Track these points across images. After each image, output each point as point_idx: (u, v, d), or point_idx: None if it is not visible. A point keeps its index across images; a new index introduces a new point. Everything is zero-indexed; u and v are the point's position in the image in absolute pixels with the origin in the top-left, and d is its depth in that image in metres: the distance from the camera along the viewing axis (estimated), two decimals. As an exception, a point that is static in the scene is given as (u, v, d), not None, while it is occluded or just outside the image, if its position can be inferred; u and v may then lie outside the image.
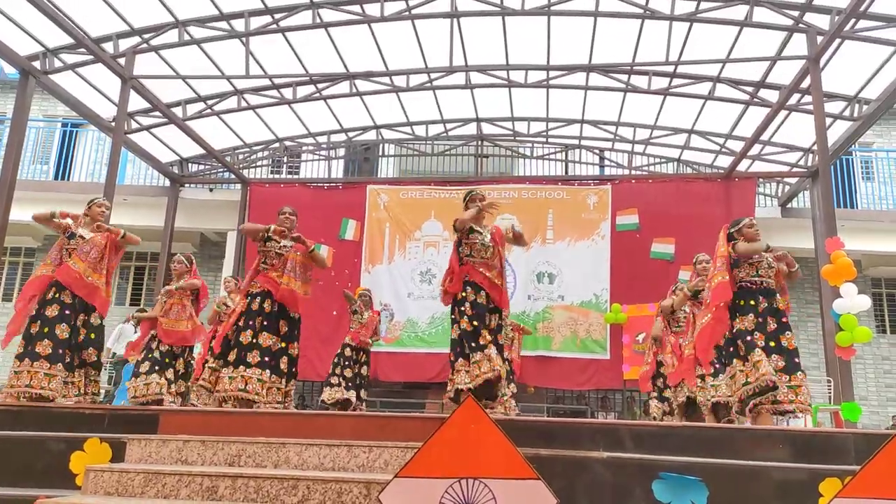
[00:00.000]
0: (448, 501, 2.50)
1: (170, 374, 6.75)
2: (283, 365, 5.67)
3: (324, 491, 3.38)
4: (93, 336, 5.77)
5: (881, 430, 9.59)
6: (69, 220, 5.90)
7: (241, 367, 5.41)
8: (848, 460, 3.80)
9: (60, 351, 5.43)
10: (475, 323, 5.39)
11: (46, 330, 5.43)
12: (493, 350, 5.34)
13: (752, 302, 5.24)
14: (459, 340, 5.45)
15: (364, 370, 9.05)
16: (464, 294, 5.50)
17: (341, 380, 8.76)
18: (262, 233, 5.84)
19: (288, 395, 5.76)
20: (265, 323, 5.58)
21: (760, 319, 5.17)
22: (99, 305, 5.73)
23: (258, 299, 5.65)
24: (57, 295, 5.56)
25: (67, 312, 5.54)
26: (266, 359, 5.48)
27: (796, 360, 5.10)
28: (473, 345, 5.35)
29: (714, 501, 3.37)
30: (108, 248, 5.82)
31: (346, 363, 8.88)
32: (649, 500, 3.41)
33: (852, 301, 7.47)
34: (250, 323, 5.55)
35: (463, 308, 5.47)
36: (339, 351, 9.01)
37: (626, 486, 3.48)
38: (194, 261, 7.44)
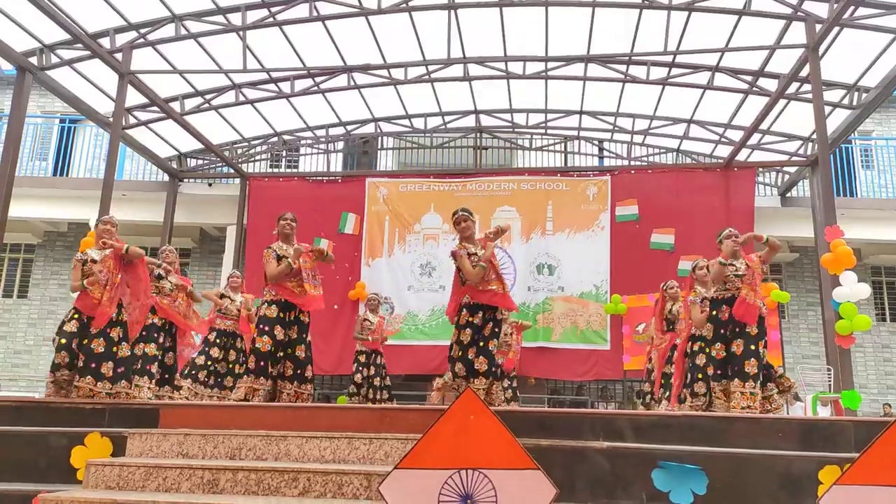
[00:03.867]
0: (448, 492, 2.51)
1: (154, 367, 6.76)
2: (290, 370, 5.71)
3: (324, 483, 3.39)
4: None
5: (880, 418, 9.61)
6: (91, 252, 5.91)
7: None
8: (847, 448, 3.81)
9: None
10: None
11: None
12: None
13: (715, 312, 5.83)
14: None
15: (384, 371, 9.37)
16: (464, 318, 5.55)
17: (367, 389, 9.12)
18: (282, 263, 5.78)
19: (301, 398, 5.73)
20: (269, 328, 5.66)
21: (721, 329, 5.77)
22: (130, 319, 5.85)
23: (267, 305, 5.74)
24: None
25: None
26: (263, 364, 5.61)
27: (737, 367, 5.60)
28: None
29: (714, 490, 3.38)
30: (116, 266, 5.77)
31: (365, 372, 9.23)
32: (649, 490, 3.42)
33: (852, 289, 7.48)
34: (265, 329, 5.64)
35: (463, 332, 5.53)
36: (354, 358, 9.32)
37: (625, 476, 3.49)
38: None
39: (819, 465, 3.42)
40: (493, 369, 5.47)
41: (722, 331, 5.76)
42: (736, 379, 5.54)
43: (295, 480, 3.42)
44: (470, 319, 5.51)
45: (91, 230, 6.51)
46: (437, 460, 2.53)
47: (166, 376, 6.98)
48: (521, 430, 3.59)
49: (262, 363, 5.56)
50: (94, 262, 5.76)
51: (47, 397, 5.50)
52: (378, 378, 9.26)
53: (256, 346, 5.61)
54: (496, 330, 5.59)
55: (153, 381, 6.63)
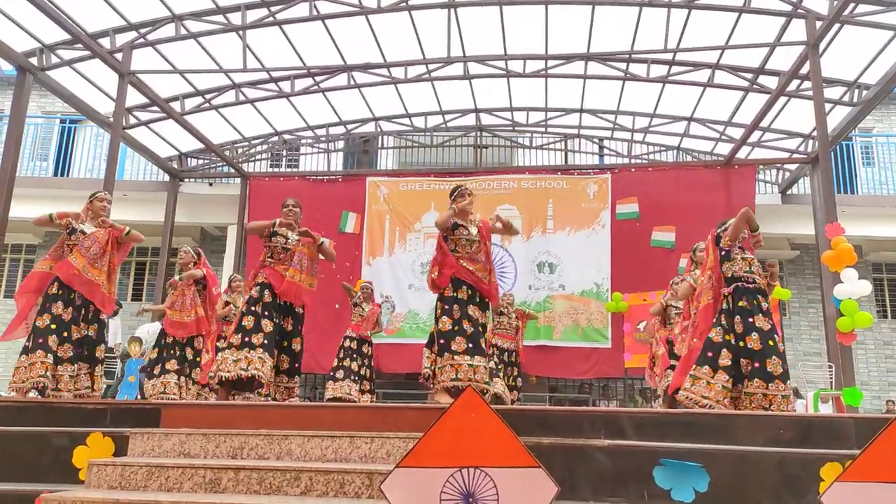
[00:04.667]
0: (449, 491, 2.51)
1: (172, 364, 6.78)
2: (286, 363, 5.69)
3: (326, 482, 3.40)
4: (94, 331, 5.79)
5: (882, 415, 9.61)
6: (69, 219, 5.84)
7: (246, 350, 5.39)
8: (849, 445, 3.80)
9: (75, 350, 5.56)
10: (455, 327, 5.41)
11: (55, 326, 5.45)
12: (466, 359, 5.33)
13: (755, 302, 5.22)
14: (440, 337, 5.50)
15: (369, 362, 9.17)
16: (450, 291, 5.53)
17: (345, 372, 8.82)
18: (266, 228, 5.75)
19: (292, 392, 5.75)
20: (266, 312, 5.54)
21: (771, 320, 5.18)
22: (98, 302, 5.70)
23: (259, 289, 5.62)
24: (60, 292, 5.55)
25: (76, 313, 5.60)
26: (266, 342, 5.47)
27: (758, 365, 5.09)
28: (452, 347, 5.38)
29: (715, 487, 3.38)
30: (111, 244, 5.80)
31: (349, 354, 8.96)
32: (650, 487, 3.42)
33: (853, 286, 7.47)
34: (252, 309, 5.54)
35: (447, 307, 5.50)
36: (340, 343, 9.11)
37: (627, 473, 3.49)
38: (202, 253, 7.44)
39: (820, 463, 3.41)
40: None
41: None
42: (756, 379, 5.03)
43: (297, 479, 3.42)
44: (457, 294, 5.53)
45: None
46: (439, 459, 2.53)
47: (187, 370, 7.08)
48: (523, 429, 3.59)
49: (266, 342, 5.46)
50: (83, 234, 5.76)
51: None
52: (365, 368, 9.05)
53: (244, 323, 5.48)
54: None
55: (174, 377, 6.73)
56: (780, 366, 5.04)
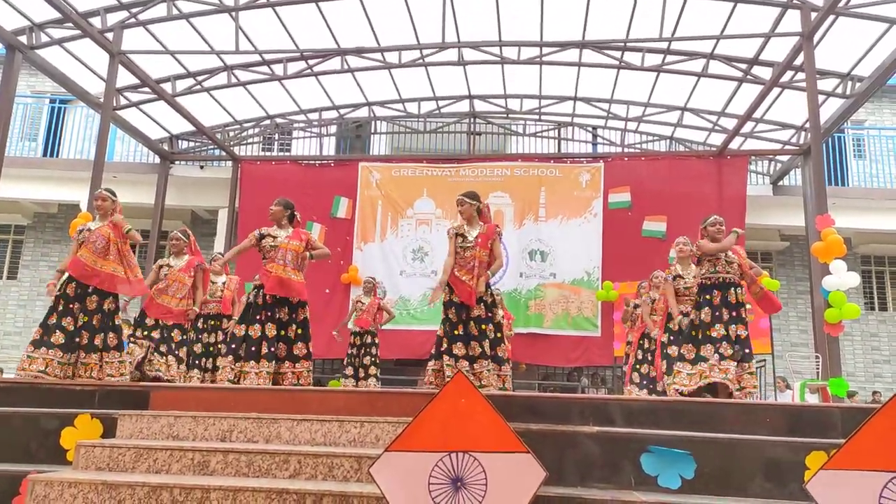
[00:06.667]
0: (438, 475, 2.52)
1: (164, 348, 6.73)
2: (283, 351, 5.68)
3: (315, 465, 3.41)
4: (96, 321, 5.75)
5: (867, 405, 9.71)
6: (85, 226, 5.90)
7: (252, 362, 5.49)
8: (834, 434, 3.85)
9: (71, 341, 5.50)
10: (445, 328, 5.60)
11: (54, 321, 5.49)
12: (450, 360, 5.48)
13: (708, 297, 5.72)
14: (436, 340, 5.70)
15: (372, 350, 9.36)
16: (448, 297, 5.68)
17: (354, 370, 9.21)
18: (250, 243, 5.83)
19: (294, 376, 5.73)
20: (258, 316, 5.61)
21: (716, 312, 5.66)
22: (119, 289, 5.74)
23: (254, 293, 5.72)
24: (63, 289, 5.60)
25: (70, 306, 5.55)
26: (271, 349, 5.56)
27: (747, 350, 5.57)
28: (439, 349, 5.59)
29: (702, 474, 3.41)
30: (117, 236, 5.79)
31: (355, 347, 9.32)
32: (638, 474, 3.45)
33: (841, 278, 7.53)
34: (257, 317, 5.60)
35: (445, 312, 5.68)
36: (349, 342, 9.43)
37: (615, 460, 3.51)
38: (191, 234, 7.34)
39: (806, 451, 3.45)
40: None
41: (717, 313, 5.65)
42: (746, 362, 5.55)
43: (286, 462, 3.43)
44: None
45: (82, 212, 6.50)
46: (428, 443, 2.54)
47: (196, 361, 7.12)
48: (512, 415, 3.62)
49: (252, 348, 5.55)
50: (89, 230, 5.80)
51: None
52: (367, 357, 9.26)
53: (247, 333, 5.58)
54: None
55: (181, 364, 6.68)
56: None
